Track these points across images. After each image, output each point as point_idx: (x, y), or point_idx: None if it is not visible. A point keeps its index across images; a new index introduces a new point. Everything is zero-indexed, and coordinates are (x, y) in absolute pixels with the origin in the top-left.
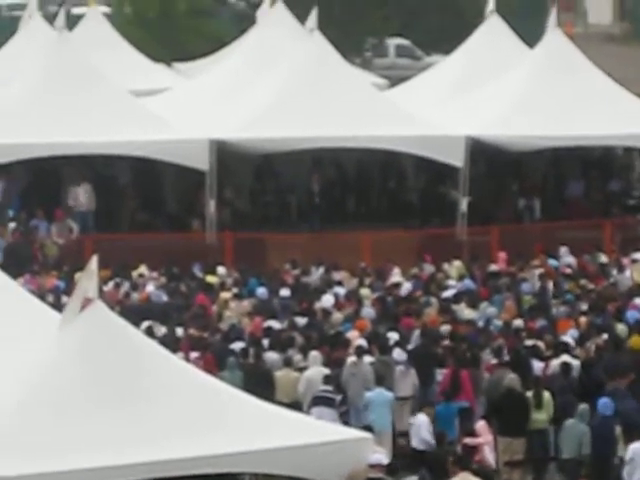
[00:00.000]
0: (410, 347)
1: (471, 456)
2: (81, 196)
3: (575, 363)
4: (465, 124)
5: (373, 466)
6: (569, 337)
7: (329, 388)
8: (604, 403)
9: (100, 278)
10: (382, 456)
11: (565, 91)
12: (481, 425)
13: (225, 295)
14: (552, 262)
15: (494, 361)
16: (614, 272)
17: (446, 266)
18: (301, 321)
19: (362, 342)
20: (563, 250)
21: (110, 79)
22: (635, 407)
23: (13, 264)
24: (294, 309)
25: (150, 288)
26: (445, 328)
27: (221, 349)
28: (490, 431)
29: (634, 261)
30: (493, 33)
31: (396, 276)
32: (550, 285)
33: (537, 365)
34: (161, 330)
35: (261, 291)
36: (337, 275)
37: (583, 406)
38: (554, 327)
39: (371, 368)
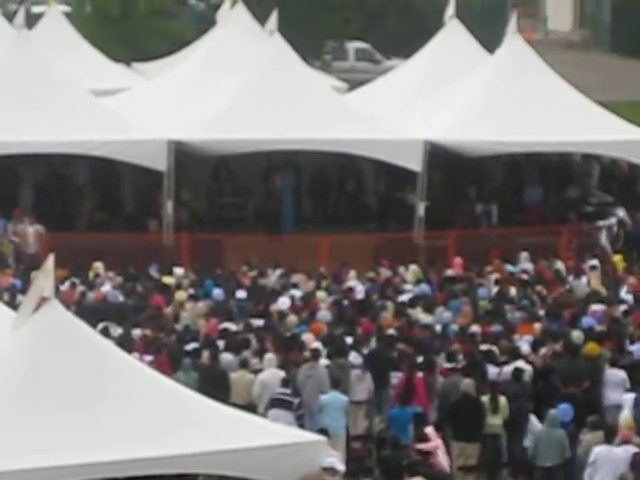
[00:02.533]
0: (366, 351)
1: (425, 461)
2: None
3: (528, 369)
4: (424, 129)
5: (327, 470)
6: (524, 343)
7: (287, 391)
8: (563, 409)
9: (56, 277)
10: (336, 460)
11: (524, 97)
12: (429, 430)
13: (181, 296)
14: (509, 268)
15: (448, 365)
16: (570, 279)
17: (402, 270)
18: (257, 323)
19: (317, 345)
20: (523, 255)
21: (69, 78)
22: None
23: None
24: (250, 311)
25: (107, 288)
26: (401, 332)
27: (176, 350)
28: (438, 436)
29: (592, 268)
30: (453, 38)
31: (352, 280)
32: (506, 290)
33: (492, 370)
34: (117, 330)
35: (217, 292)
36: (294, 278)
37: (552, 411)
38: (510, 332)
39: (326, 371)
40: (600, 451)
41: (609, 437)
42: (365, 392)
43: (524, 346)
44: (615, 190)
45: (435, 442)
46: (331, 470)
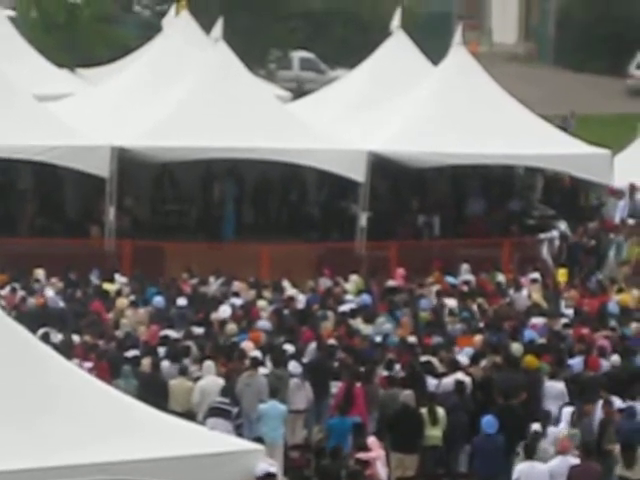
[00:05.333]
0: (305, 360)
1: (363, 471)
2: None
3: (468, 381)
4: (367, 139)
5: (260, 477)
6: (464, 355)
7: (225, 400)
8: (487, 421)
9: None
10: (268, 465)
11: (468, 109)
12: (372, 440)
13: (122, 303)
14: (450, 279)
15: (386, 373)
16: (511, 291)
17: (343, 280)
18: (198, 331)
19: (257, 354)
20: (464, 267)
21: (13, 83)
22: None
23: None
24: (191, 319)
25: (49, 293)
26: (341, 342)
27: (116, 357)
28: (381, 446)
29: (533, 281)
30: (398, 49)
31: (287, 289)
32: (447, 302)
33: (431, 382)
34: (57, 336)
35: (158, 300)
36: (235, 286)
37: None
38: (450, 344)
39: (265, 380)
40: (523, 468)
41: (530, 453)
42: (304, 401)
43: (463, 358)
44: (557, 203)
45: (376, 452)
46: (266, 477)
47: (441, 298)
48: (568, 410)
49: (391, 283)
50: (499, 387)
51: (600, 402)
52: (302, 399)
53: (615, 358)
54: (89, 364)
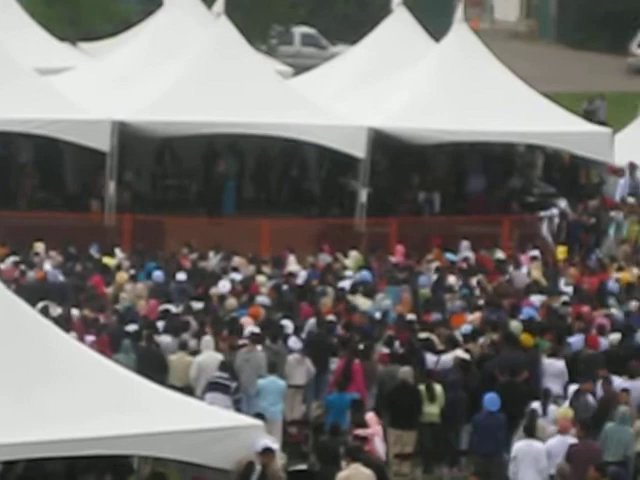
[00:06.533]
0: (304, 336)
1: (362, 447)
2: None
3: (467, 358)
4: (368, 115)
5: (261, 453)
6: (463, 332)
7: (225, 375)
8: (490, 398)
9: None
10: (268, 441)
11: (469, 86)
12: (370, 416)
13: (121, 277)
14: (450, 256)
15: (386, 351)
16: (510, 269)
17: (342, 256)
18: (197, 306)
19: (256, 329)
20: (464, 244)
21: (15, 56)
22: None
23: None
24: (190, 293)
25: (47, 267)
26: (340, 318)
27: (116, 331)
28: (379, 422)
29: (533, 258)
30: (399, 25)
31: (292, 264)
32: (446, 279)
33: (430, 359)
34: (56, 310)
35: (157, 274)
36: (234, 261)
37: (623, 409)
38: (449, 321)
39: (264, 355)
40: (520, 446)
41: (529, 432)
42: (304, 376)
43: (463, 335)
44: (557, 181)
45: (373, 429)
46: (265, 452)
47: (440, 275)
48: (574, 388)
49: (391, 260)
50: (500, 365)
51: (599, 380)
52: (302, 374)
53: (614, 336)
54: (91, 338)
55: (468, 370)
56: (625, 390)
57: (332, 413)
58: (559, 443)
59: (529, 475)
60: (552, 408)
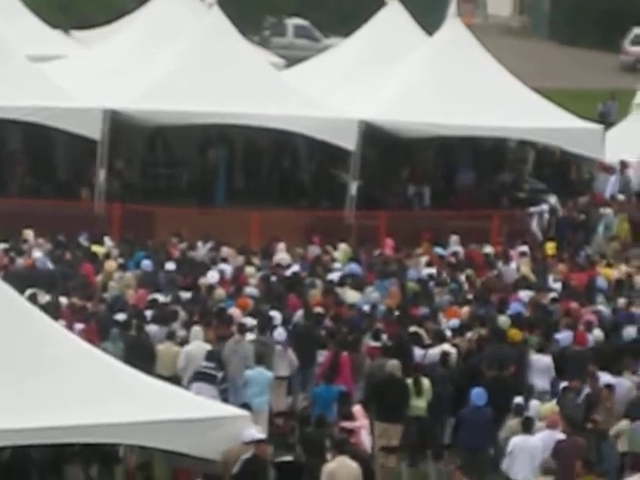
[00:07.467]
0: (291, 327)
1: (348, 439)
2: None
3: (453, 352)
4: (359, 108)
5: (248, 443)
6: (451, 326)
7: (211, 364)
8: (477, 393)
9: None
10: (254, 431)
11: (461, 80)
12: (357, 409)
13: (110, 266)
14: (439, 250)
15: (374, 344)
16: (499, 264)
17: (332, 249)
18: (185, 295)
19: (245, 320)
20: (453, 239)
21: (6, 43)
22: None
23: None
24: (179, 283)
25: (36, 255)
26: (328, 311)
27: (105, 320)
28: (366, 415)
29: (522, 254)
30: (392, 18)
31: (282, 252)
32: (435, 273)
33: (418, 352)
34: (45, 298)
35: (146, 263)
36: (223, 252)
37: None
38: (437, 315)
39: (252, 346)
40: (517, 441)
41: (526, 427)
42: (287, 368)
43: (451, 329)
44: (547, 177)
45: (360, 421)
46: (252, 442)
47: (431, 269)
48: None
49: (380, 253)
50: (488, 359)
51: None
52: (285, 365)
53: (598, 333)
54: (80, 326)
55: (448, 364)
56: (608, 386)
57: (319, 405)
58: (547, 438)
59: (524, 470)
60: (534, 403)
